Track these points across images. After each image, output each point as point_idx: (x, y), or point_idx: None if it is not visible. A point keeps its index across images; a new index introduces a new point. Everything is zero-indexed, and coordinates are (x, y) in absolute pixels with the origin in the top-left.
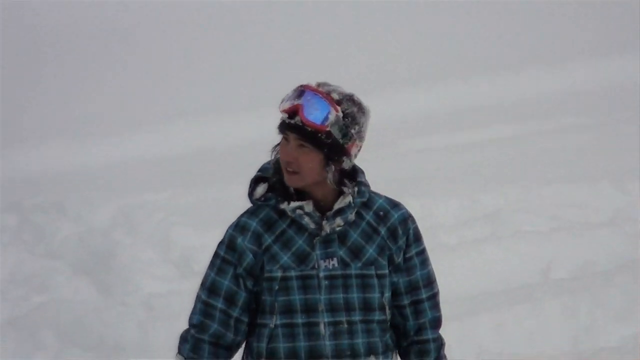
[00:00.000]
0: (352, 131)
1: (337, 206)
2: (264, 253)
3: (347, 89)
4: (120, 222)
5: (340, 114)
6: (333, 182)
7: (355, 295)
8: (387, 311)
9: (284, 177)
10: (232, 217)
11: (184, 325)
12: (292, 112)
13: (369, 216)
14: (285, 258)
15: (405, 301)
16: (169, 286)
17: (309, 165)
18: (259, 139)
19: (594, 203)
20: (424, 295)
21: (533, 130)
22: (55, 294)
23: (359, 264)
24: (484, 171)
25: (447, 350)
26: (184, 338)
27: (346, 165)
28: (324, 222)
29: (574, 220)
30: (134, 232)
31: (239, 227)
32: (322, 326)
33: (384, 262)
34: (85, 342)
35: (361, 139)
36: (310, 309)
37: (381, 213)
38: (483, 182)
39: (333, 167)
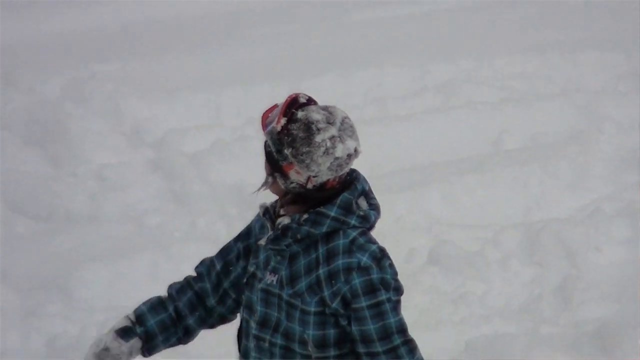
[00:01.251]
0: (286, 152)
1: (276, 221)
2: (256, 244)
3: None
4: (70, 94)
5: (278, 128)
6: (282, 196)
7: (283, 319)
8: (312, 348)
9: None
10: (182, 88)
11: (134, 195)
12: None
13: (321, 250)
14: (262, 257)
15: (361, 350)
16: (120, 157)
17: (265, 169)
18: (211, 11)
19: (545, 74)
20: (379, 348)
21: (483, 1)
22: (5, 165)
23: (290, 291)
24: (435, 42)
25: (398, 221)
26: (177, 281)
27: (281, 184)
28: (267, 234)
29: (525, 91)
30: (84, 104)
31: (260, 209)
32: (250, 336)
33: (310, 300)
34: (35, 213)
35: (301, 167)
36: (254, 314)
37: (331, 253)
38: (434, 53)
39: (270, 180)
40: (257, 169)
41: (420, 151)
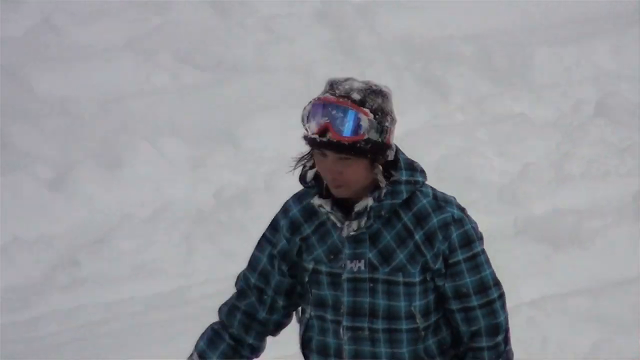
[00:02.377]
0: (387, 124)
1: (356, 208)
2: (303, 241)
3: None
4: None
5: (371, 115)
6: (383, 180)
7: (380, 302)
8: (419, 319)
9: (331, 190)
10: None
11: (301, 46)
12: (323, 131)
13: (406, 217)
14: (320, 251)
15: (454, 306)
16: (288, 8)
17: (356, 176)
18: None
19: None
20: (475, 302)
21: None
22: (173, 15)
23: (387, 269)
24: None
25: (566, 72)
26: (224, 302)
27: (390, 156)
28: (346, 223)
29: None
30: None
31: (283, 209)
32: (341, 329)
33: (414, 270)
34: (202, 63)
35: (393, 122)
36: (336, 308)
37: (420, 215)
38: None
39: (380, 166)
40: (428, 21)
41: (587, 3)
